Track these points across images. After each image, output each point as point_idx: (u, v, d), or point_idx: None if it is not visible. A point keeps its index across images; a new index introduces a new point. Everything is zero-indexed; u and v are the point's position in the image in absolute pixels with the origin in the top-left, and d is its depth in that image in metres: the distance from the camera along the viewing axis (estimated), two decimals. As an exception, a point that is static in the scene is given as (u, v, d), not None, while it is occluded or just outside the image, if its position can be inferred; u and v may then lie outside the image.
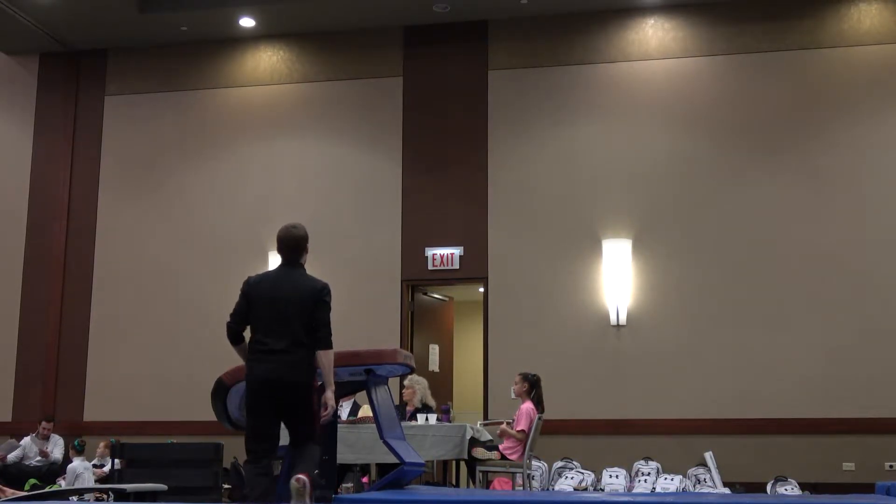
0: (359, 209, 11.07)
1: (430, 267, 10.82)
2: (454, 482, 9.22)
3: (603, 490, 9.40)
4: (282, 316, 5.29)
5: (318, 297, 5.49)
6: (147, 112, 11.75)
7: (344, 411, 9.23)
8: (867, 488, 8.57)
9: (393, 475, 5.64)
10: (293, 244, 5.51)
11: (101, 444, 10.40)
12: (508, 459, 8.17)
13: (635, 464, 9.78)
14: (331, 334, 5.41)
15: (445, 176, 10.94)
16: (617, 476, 9.63)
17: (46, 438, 10.58)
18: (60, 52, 11.97)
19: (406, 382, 9.12)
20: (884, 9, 10.39)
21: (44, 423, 10.55)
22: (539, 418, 8.21)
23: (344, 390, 5.82)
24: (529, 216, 10.70)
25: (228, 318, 5.43)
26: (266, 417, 5.22)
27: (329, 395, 5.25)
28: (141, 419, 10.95)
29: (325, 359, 5.32)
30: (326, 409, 5.22)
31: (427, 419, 8.23)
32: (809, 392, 9.84)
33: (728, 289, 10.19)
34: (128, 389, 11.10)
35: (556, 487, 9.61)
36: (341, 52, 11.42)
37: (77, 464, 9.50)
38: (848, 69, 10.37)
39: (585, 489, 9.48)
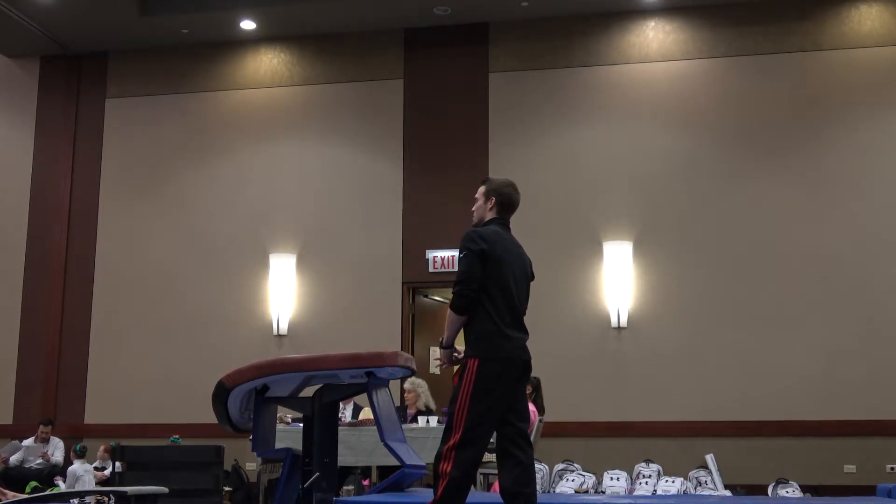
0: (359, 211, 11.07)
1: (430, 269, 10.82)
2: (455, 484, 9.19)
3: (604, 492, 9.39)
4: (523, 287, 4.69)
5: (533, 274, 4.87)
6: (148, 114, 11.76)
7: (346, 414, 9.24)
8: (868, 491, 8.57)
9: (394, 477, 5.63)
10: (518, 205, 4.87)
11: (102, 447, 10.40)
12: (509, 462, 8.15)
13: (636, 466, 9.76)
14: None
15: (446, 178, 10.93)
16: (618, 478, 9.62)
17: (46, 441, 10.58)
18: (61, 55, 11.98)
19: (408, 386, 9.11)
20: (884, 11, 10.40)
21: (42, 427, 10.54)
22: (540, 421, 8.21)
23: (344, 393, 5.81)
24: (530, 218, 10.67)
25: (460, 286, 4.54)
26: (506, 403, 4.50)
27: None
28: (142, 421, 10.95)
29: None
30: None
31: (428, 422, 8.23)
32: (810, 394, 9.84)
33: (729, 291, 10.19)
34: (129, 392, 11.10)
35: (557, 490, 9.60)
36: (342, 54, 11.43)
37: (77, 466, 9.51)
38: (848, 71, 10.37)
39: (586, 491, 9.47)
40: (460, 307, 4.56)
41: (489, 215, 4.86)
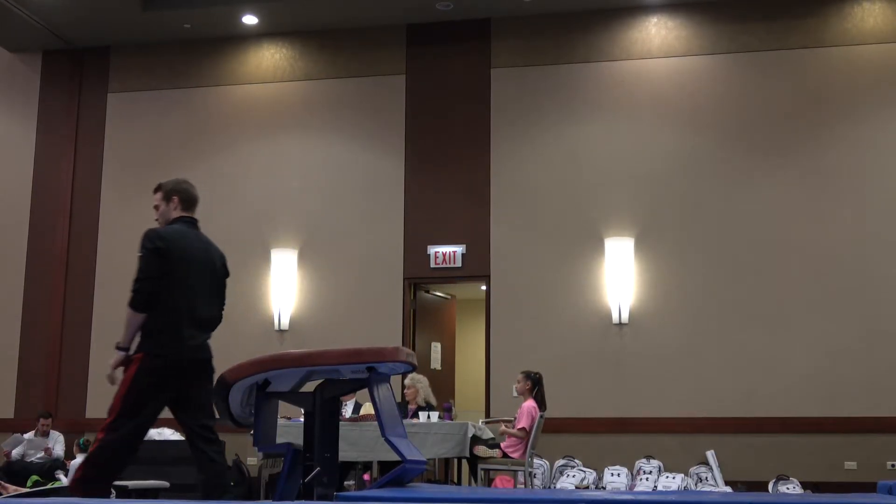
0: (361, 207, 11.07)
1: (432, 265, 10.83)
2: (456, 480, 9.23)
3: (605, 488, 9.41)
4: (207, 284, 4.94)
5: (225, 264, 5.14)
6: (150, 109, 11.76)
7: (347, 409, 9.25)
8: (869, 487, 8.57)
9: (394, 473, 5.63)
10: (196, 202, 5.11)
11: (104, 442, 10.40)
12: (510, 458, 8.18)
13: (637, 462, 9.78)
14: None
15: (448, 174, 10.94)
16: (619, 474, 9.64)
17: (46, 435, 10.59)
18: (63, 50, 11.98)
19: (408, 382, 9.13)
20: (887, 8, 10.38)
21: (41, 420, 10.55)
22: (541, 417, 8.22)
23: (346, 388, 5.82)
24: (532, 214, 10.71)
25: (139, 283, 4.77)
26: (162, 404, 4.80)
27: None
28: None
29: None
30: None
31: (429, 417, 8.25)
32: (811, 391, 9.84)
33: (730, 288, 10.19)
34: (130, 386, 11.09)
35: (558, 486, 9.62)
36: (344, 49, 11.42)
37: (80, 459, 9.51)
38: (851, 68, 10.36)
39: (587, 487, 9.48)
40: (138, 304, 4.72)
41: (174, 214, 5.05)
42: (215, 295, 4.96)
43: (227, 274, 5.10)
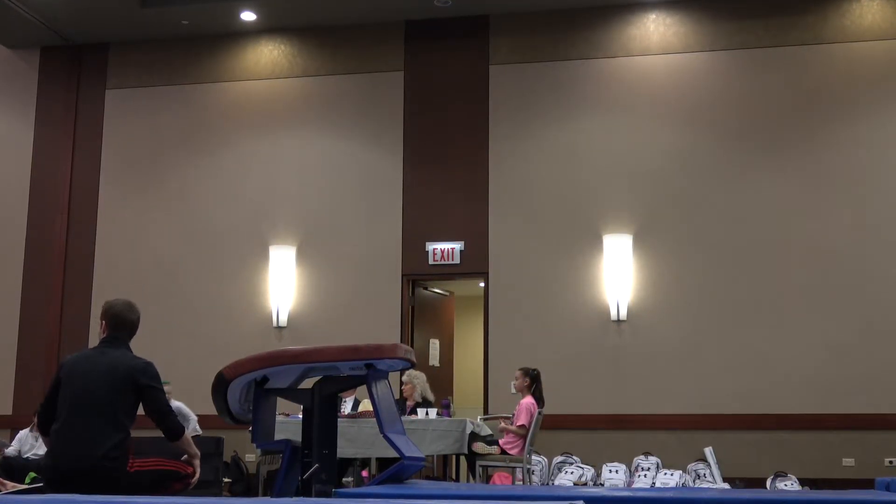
0: (360, 204, 11.07)
1: (430, 262, 10.83)
2: (454, 477, 9.24)
3: (603, 485, 9.41)
4: (96, 397, 5.16)
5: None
6: (148, 106, 11.75)
7: (347, 406, 9.26)
8: (867, 484, 8.58)
9: (393, 469, 5.64)
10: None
11: (102, 438, 10.41)
12: (508, 454, 8.19)
13: (635, 459, 9.79)
14: None
15: (446, 171, 10.94)
16: (617, 471, 9.64)
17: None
18: (62, 46, 11.96)
19: (405, 378, 9.15)
20: (886, 4, 10.38)
21: (35, 418, 10.52)
22: (539, 413, 8.23)
23: (344, 385, 5.82)
24: (530, 211, 10.71)
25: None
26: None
27: None
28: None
29: None
30: None
31: (427, 414, 8.25)
32: (809, 388, 9.85)
33: (729, 285, 10.19)
34: (128, 383, 11.10)
35: (556, 482, 9.62)
36: (342, 46, 11.42)
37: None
38: (850, 65, 10.36)
39: (585, 484, 9.49)
40: (38, 426, 5.11)
41: (102, 336, 5.20)
42: (103, 407, 5.10)
43: (140, 385, 5.28)
